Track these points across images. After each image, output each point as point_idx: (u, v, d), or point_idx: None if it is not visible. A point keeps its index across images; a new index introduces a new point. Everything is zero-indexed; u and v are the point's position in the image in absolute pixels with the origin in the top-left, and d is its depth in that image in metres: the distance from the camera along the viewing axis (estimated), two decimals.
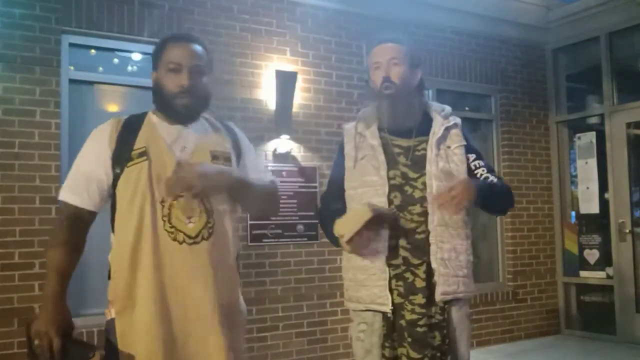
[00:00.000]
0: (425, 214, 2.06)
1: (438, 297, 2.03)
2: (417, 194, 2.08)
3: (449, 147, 2.14)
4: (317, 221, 4.64)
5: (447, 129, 2.15)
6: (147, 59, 4.34)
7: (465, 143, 2.16)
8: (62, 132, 3.85)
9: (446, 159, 2.11)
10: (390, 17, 5.08)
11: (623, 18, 5.51)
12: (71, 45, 4.00)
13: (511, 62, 5.93)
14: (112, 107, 4.28)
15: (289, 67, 4.64)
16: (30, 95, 3.75)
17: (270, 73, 4.56)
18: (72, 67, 4.02)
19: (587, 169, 5.84)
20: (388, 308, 2.04)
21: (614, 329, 5.51)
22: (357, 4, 4.99)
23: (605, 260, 5.67)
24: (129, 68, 4.33)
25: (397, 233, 2.06)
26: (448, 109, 2.24)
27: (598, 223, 5.78)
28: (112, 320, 1.74)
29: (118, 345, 1.68)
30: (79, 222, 1.77)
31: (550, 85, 6.14)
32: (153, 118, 1.87)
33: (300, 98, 4.69)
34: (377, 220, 1.94)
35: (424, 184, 2.08)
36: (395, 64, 2.11)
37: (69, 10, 3.91)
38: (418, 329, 2.01)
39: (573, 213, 6.06)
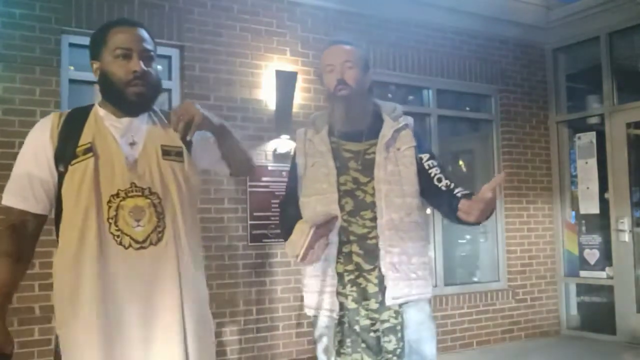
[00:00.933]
0: (376, 219, 2.04)
1: (389, 301, 2.01)
2: (369, 198, 2.07)
3: (398, 149, 2.11)
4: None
5: (397, 131, 2.12)
6: None
7: (414, 144, 2.12)
8: None
9: (395, 162, 2.08)
10: (390, 17, 5.08)
11: (623, 18, 5.51)
12: (71, 45, 4.00)
13: (511, 62, 5.93)
14: None
15: (289, 67, 4.64)
16: (30, 95, 3.75)
17: (270, 73, 4.56)
18: (72, 67, 4.02)
19: (587, 169, 5.84)
20: (336, 314, 2.04)
21: (614, 329, 5.50)
22: (357, 4, 4.99)
23: (605, 260, 5.66)
24: None
25: (349, 239, 2.05)
26: (399, 109, 2.20)
27: (598, 223, 5.78)
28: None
29: (62, 357, 1.56)
30: (24, 228, 1.64)
31: (550, 85, 6.14)
32: (99, 111, 1.72)
33: (300, 98, 4.69)
34: (321, 231, 1.93)
35: (374, 188, 2.06)
36: (350, 67, 2.08)
37: (69, 10, 3.92)
38: (372, 334, 2.01)
39: (573, 213, 6.06)
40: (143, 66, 1.66)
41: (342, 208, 2.06)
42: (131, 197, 1.62)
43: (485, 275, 5.82)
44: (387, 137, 2.09)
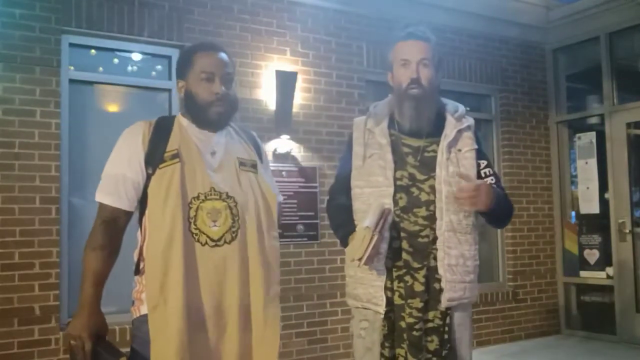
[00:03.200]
0: (430, 217, 2.03)
1: (444, 303, 2.00)
2: (424, 196, 2.05)
3: (459, 150, 2.08)
4: (317, 221, 4.67)
5: (460, 132, 2.10)
6: (147, 59, 4.35)
7: (477, 147, 2.11)
8: (62, 132, 3.85)
9: (457, 163, 2.07)
10: (390, 17, 5.08)
11: (623, 18, 5.51)
12: (71, 45, 4.00)
13: (511, 62, 5.93)
14: (112, 107, 4.28)
15: (289, 67, 4.64)
16: (30, 95, 3.74)
17: (270, 73, 4.56)
18: (72, 67, 4.02)
19: (587, 169, 5.84)
20: (382, 309, 2.03)
21: (614, 329, 5.51)
22: (357, 4, 4.99)
23: (605, 260, 5.66)
24: (129, 68, 4.33)
25: (399, 235, 2.04)
26: (462, 109, 2.19)
27: (598, 223, 5.78)
28: (143, 316, 1.77)
29: (151, 342, 1.72)
30: (116, 224, 1.81)
31: (550, 85, 6.14)
32: (183, 121, 1.92)
33: (300, 98, 4.68)
34: (382, 231, 1.94)
35: (432, 187, 2.04)
36: (425, 65, 2.06)
37: (69, 10, 3.91)
38: (415, 332, 1.99)
39: (573, 213, 6.06)
40: (224, 89, 1.88)
41: (395, 203, 2.04)
42: (210, 199, 1.80)
43: (485, 275, 5.82)
44: (450, 138, 2.07)
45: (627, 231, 5.43)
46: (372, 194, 2.08)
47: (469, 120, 2.16)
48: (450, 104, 2.20)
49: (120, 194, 1.81)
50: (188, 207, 1.78)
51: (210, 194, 1.81)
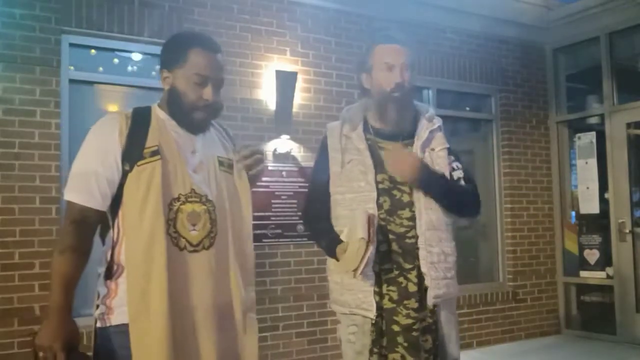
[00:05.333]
0: (413, 218, 2.05)
1: (430, 300, 2.02)
2: (405, 198, 2.07)
3: (433, 149, 2.13)
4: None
5: (432, 132, 2.14)
6: (147, 58, 4.34)
7: (448, 146, 2.16)
8: (62, 132, 3.85)
9: (431, 162, 2.11)
10: (390, 17, 5.07)
11: (623, 18, 5.51)
12: (71, 45, 4.00)
13: (511, 62, 5.93)
14: (112, 107, 4.28)
15: (289, 67, 4.64)
16: (30, 95, 3.74)
17: (270, 73, 4.56)
18: (72, 67, 4.02)
19: (587, 169, 5.84)
20: (372, 314, 2.03)
21: (614, 329, 5.50)
22: (357, 4, 4.99)
23: (605, 260, 5.66)
24: (129, 68, 4.33)
25: (387, 238, 2.06)
26: (432, 110, 2.23)
27: (598, 223, 5.78)
28: (115, 327, 1.66)
29: (132, 353, 1.60)
30: (86, 224, 1.68)
31: (550, 85, 6.14)
32: (160, 114, 1.80)
33: (300, 98, 4.69)
34: (371, 238, 1.95)
35: (412, 188, 2.07)
36: (406, 69, 2.09)
37: (69, 10, 3.91)
38: (413, 333, 2.00)
39: (573, 213, 6.06)
40: (214, 96, 1.76)
41: (379, 207, 2.06)
42: (190, 202, 1.70)
43: (485, 275, 5.82)
44: (423, 139, 2.12)
45: (627, 231, 5.43)
46: (355, 199, 2.08)
47: (439, 121, 2.21)
48: (422, 106, 2.25)
49: (92, 192, 1.66)
50: (168, 209, 1.67)
51: (191, 196, 1.71)
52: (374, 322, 2.03)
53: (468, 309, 5.34)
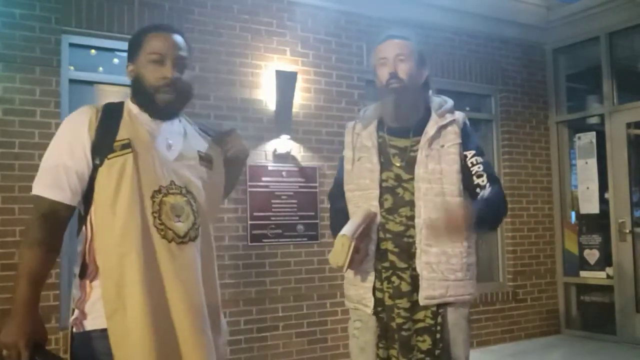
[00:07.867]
0: (413, 217, 2.03)
1: (422, 301, 2.00)
2: (408, 196, 2.05)
3: (442, 145, 2.08)
4: (317, 221, 4.67)
5: (442, 127, 2.09)
6: None
7: (459, 141, 2.09)
8: None
9: (438, 159, 2.06)
10: (390, 17, 5.07)
11: (623, 18, 5.51)
12: (71, 45, 4.00)
13: (511, 62, 5.93)
14: None
15: (289, 67, 4.64)
16: (30, 95, 3.74)
17: (270, 73, 4.56)
18: (72, 67, 4.02)
19: (587, 169, 5.84)
20: (370, 310, 2.04)
21: (614, 329, 5.51)
22: (357, 4, 4.99)
23: (605, 260, 5.66)
24: None
25: (385, 236, 2.06)
26: (449, 104, 2.18)
27: (598, 223, 5.78)
28: (91, 332, 1.61)
29: (113, 355, 1.54)
30: (55, 218, 1.62)
31: (550, 85, 6.14)
32: (133, 108, 1.75)
33: (300, 98, 4.69)
34: (362, 236, 1.96)
35: (414, 186, 2.05)
36: (402, 60, 2.07)
37: (69, 10, 3.91)
38: (404, 332, 2.00)
39: (573, 213, 6.06)
40: (175, 73, 1.71)
41: (381, 205, 2.06)
42: (172, 194, 1.68)
43: (485, 275, 5.82)
44: (430, 135, 2.07)
45: (627, 231, 5.43)
46: (361, 196, 2.10)
47: (454, 115, 2.14)
48: (435, 100, 2.20)
49: (61, 186, 1.62)
50: (151, 201, 1.63)
51: (172, 188, 1.68)
52: (377, 317, 2.05)
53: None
